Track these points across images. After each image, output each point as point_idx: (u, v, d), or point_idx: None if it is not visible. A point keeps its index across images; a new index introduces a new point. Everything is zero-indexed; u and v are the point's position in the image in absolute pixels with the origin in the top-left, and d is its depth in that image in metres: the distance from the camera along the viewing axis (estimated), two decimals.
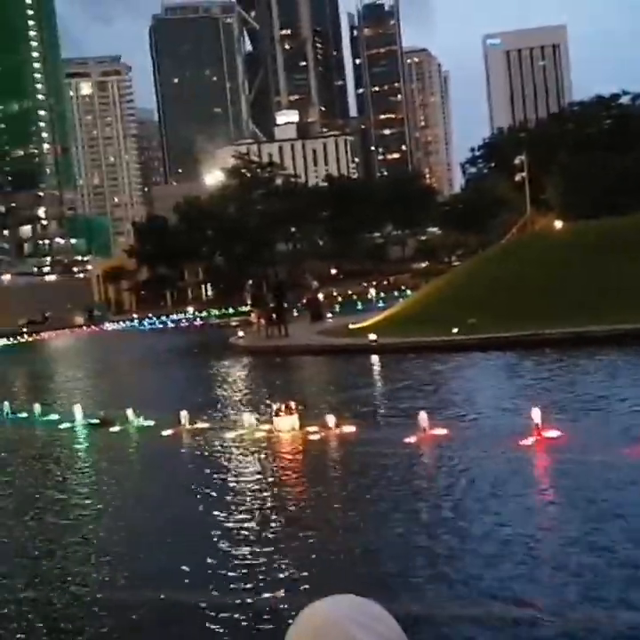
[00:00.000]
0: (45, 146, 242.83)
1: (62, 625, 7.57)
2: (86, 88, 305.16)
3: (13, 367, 45.78)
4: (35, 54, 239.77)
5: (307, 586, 7.73)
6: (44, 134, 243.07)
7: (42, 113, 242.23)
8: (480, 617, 6.93)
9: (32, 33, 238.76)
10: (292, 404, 15.76)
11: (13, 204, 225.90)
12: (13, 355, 59.92)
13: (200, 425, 16.88)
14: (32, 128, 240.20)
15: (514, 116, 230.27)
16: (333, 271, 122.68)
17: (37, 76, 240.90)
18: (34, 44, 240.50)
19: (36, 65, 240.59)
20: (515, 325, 26.46)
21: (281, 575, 8.14)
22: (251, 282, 60.69)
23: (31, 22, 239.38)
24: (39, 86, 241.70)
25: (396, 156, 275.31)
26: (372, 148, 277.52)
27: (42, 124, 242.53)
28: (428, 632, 6.74)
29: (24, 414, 20.99)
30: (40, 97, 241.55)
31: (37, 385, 33.06)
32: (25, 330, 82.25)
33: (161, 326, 75.26)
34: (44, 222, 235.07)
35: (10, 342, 71.31)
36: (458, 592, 7.44)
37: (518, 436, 12.66)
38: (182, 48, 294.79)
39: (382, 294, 76.53)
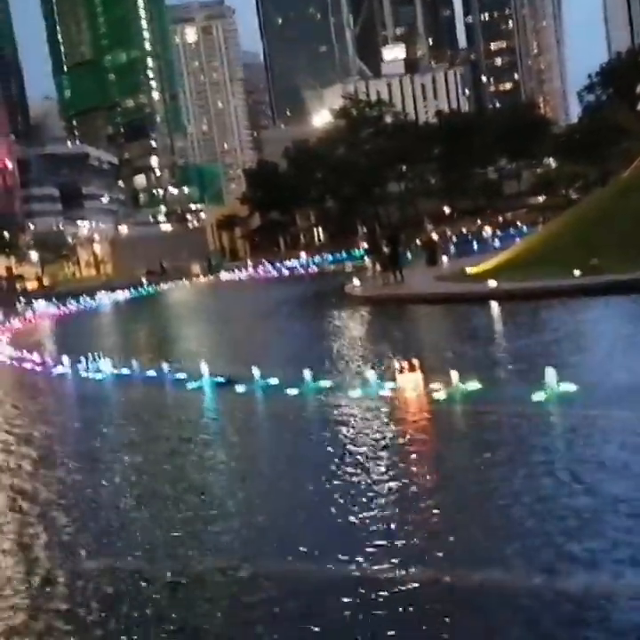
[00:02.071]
0: (154, 95, 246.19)
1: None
2: (191, 34, 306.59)
3: (136, 322, 47.01)
4: (140, 2, 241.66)
5: (439, 558, 7.61)
6: (153, 83, 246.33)
7: (149, 62, 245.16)
8: None
9: None
10: (415, 362, 15.57)
11: (126, 155, 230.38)
12: (135, 308, 61.52)
13: (323, 383, 16.88)
14: (140, 78, 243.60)
15: (633, 39, 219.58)
16: (446, 210, 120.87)
17: (143, 24, 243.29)
18: None
19: (142, 14, 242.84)
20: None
21: (410, 547, 8.04)
22: (364, 229, 60.32)
23: None
24: (146, 35, 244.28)
25: (508, 86, 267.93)
26: (483, 79, 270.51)
27: (150, 74, 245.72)
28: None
29: (153, 372, 21.48)
30: (147, 46, 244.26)
31: (160, 341, 33.83)
32: (144, 281, 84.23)
33: (276, 274, 75.84)
34: (157, 172, 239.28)
35: (131, 294, 73.24)
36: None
37: None
38: None
39: (498, 232, 75.03)
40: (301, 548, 8.51)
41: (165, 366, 21.23)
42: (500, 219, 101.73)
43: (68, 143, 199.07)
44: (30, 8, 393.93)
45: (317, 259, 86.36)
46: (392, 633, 6.49)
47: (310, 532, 9.09)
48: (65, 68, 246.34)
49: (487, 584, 7.20)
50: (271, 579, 7.90)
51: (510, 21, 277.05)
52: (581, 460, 10.25)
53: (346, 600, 7.11)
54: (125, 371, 22.73)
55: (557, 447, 11.11)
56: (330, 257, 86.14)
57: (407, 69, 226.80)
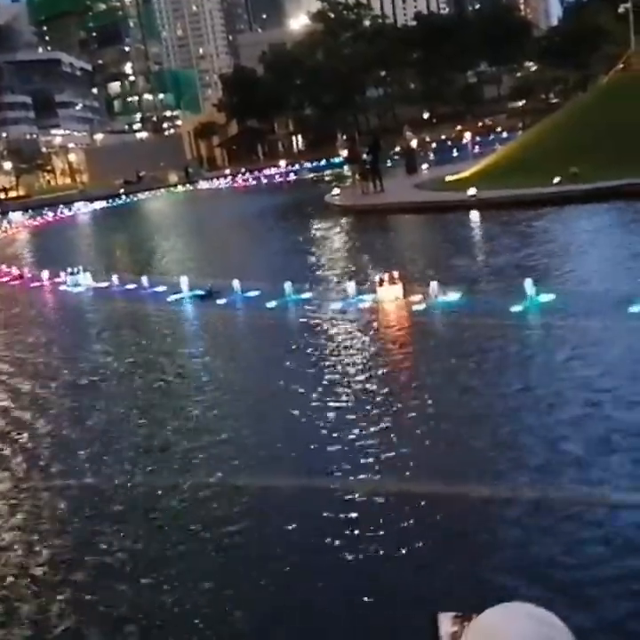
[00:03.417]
0: None
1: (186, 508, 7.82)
2: None
3: (114, 233, 46.63)
4: None
5: (413, 469, 7.79)
6: None
7: None
8: None
9: None
10: (395, 274, 15.62)
11: (100, 61, 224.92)
12: (112, 218, 60.94)
13: (303, 295, 16.93)
14: None
15: None
16: (425, 115, 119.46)
17: None
18: None
19: None
20: (622, 174, 25.34)
21: (386, 458, 8.20)
22: (344, 136, 59.61)
23: None
24: None
25: None
26: None
27: None
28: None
29: (133, 285, 21.43)
30: None
31: (139, 252, 33.64)
32: (121, 191, 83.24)
33: (254, 183, 75.11)
34: (132, 78, 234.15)
35: (108, 204, 72.49)
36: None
37: (631, 303, 12.23)
38: None
39: (478, 138, 74.24)
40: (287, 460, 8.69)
41: (145, 279, 21.17)
42: (480, 124, 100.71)
43: (40, 49, 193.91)
44: None
45: (296, 167, 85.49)
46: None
47: (290, 443, 9.24)
48: None
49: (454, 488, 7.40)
50: (249, 493, 8.06)
51: None
52: (547, 367, 10.47)
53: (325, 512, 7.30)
54: (104, 284, 22.66)
55: (531, 358, 11.29)
56: (309, 165, 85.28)
57: None
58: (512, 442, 8.35)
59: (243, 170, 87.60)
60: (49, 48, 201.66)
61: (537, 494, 7.05)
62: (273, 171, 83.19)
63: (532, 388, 9.86)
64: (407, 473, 7.84)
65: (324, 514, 7.25)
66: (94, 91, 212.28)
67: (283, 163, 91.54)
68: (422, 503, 7.22)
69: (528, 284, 13.71)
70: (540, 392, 9.67)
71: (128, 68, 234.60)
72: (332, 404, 10.12)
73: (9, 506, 8.57)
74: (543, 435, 8.32)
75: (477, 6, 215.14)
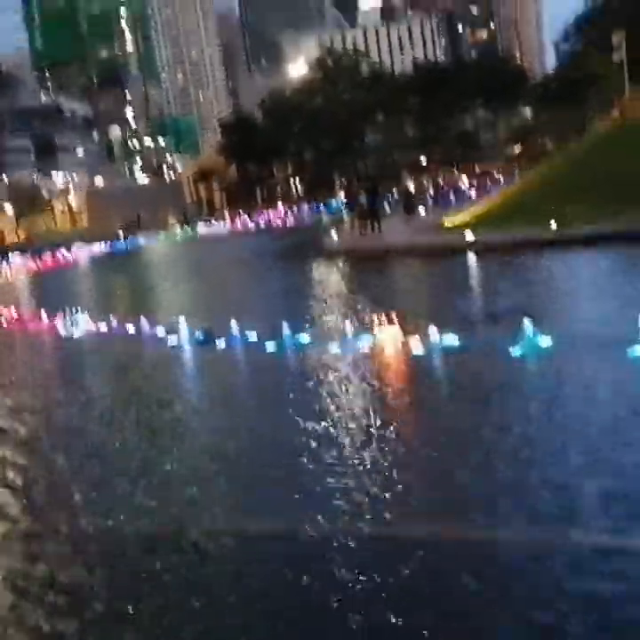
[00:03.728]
0: (128, 45, 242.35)
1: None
2: None
3: (114, 276, 46.70)
4: None
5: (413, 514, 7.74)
6: (126, 33, 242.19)
7: (122, 11, 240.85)
8: None
9: None
10: (394, 316, 15.65)
11: (101, 107, 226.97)
12: (112, 261, 61.10)
13: (302, 337, 16.93)
14: (114, 27, 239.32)
15: None
16: (423, 160, 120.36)
17: None
18: None
19: None
20: (619, 219, 25.55)
21: (384, 503, 8.14)
22: (342, 180, 60.12)
23: None
24: None
25: (484, 36, 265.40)
26: (460, 28, 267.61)
27: (123, 24, 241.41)
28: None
29: (131, 328, 21.39)
30: None
31: (138, 295, 33.69)
32: (121, 234, 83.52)
33: (253, 226, 75.51)
34: (132, 123, 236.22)
35: (108, 247, 72.68)
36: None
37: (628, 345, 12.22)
38: None
39: (475, 183, 74.87)
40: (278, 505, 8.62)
41: (143, 321, 21.16)
42: (477, 169, 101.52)
43: (42, 95, 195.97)
44: None
45: (295, 210, 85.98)
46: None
47: (288, 488, 9.17)
48: (37, 19, 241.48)
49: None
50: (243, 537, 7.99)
51: None
52: (549, 416, 10.41)
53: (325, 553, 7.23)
54: (103, 327, 22.63)
55: (531, 401, 11.24)
56: (307, 209, 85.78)
57: (383, 18, 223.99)
58: (517, 488, 8.28)
59: (242, 213, 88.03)
60: (51, 94, 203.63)
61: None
62: (271, 214, 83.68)
63: (532, 434, 9.79)
64: (407, 519, 7.79)
65: (314, 563, 7.17)
66: (95, 135, 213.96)
67: (281, 206, 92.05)
68: (418, 551, 7.18)
69: (526, 326, 13.75)
70: (540, 436, 9.65)
71: (129, 112, 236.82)
72: (328, 451, 10.03)
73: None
74: (549, 481, 8.26)
75: (474, 54, 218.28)
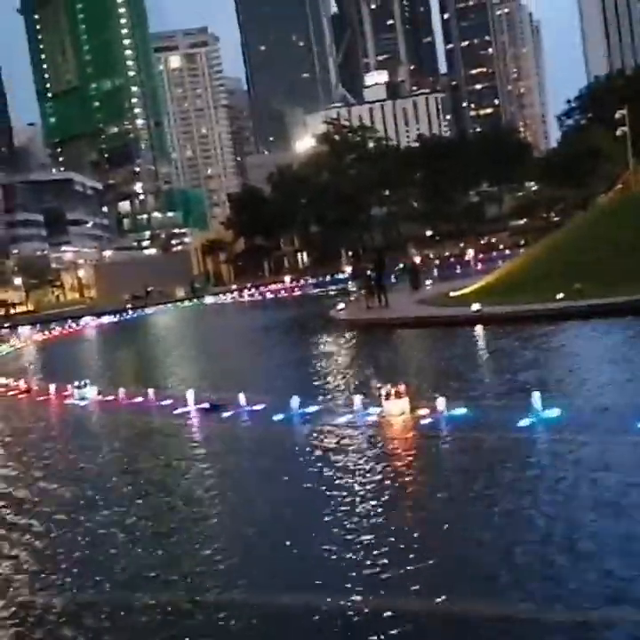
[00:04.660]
0: (139, 121, 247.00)
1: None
2: (175, 61, 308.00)
3: (121, 347, 46.87)
4: (124, 31, 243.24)
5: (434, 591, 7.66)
6: (137, 110, 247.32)
7: (134, 89, 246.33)
8: None
9: (120, 10, 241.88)
10: (402, 388, 15.63)
11: (111, 181, 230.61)
12: (120, 332, 61.35)
13: (309, 409, 16.90)
14: (125, 105, 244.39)
15: (611, 63, 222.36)
16: (429, 233, 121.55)
17: (128, 52, 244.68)
18: (122, 20, 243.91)
19: (126, 42, 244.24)
20: (624, 291, 25.64)
21: (390, 578, 8.06)
22: (349, 253, 60.77)
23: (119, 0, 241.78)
24: (130, 63, 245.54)
25: (488, 110, 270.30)
26: (464, 104, 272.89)
27: (134, 100, 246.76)
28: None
29: (139, 399, 21.42)
30: (131, 73, 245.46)
31: (145, 366, 33.76)
32: (129, 306, 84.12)
33: (260, 298, 75.90)
34: (142, 197, 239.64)
35: (116, 318, 73.13)
36: None
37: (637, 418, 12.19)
38: (267, 14, 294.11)
39: (480, 255, 75.46)
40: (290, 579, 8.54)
41: (151, 392, 21.19)
42: (483, 242, 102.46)
43: (53, 169, 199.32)
44: (15, 34, 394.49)
45: (302, 282, 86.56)
46: None
47: (297, 562, 9.09)
48: (49, 95, 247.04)
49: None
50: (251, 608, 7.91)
51: (490, 48, 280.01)
52: (557, 491, 10.32)
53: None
54: (111, 397, 22.65)
55: (539, 474, 11.15)
56: (314, 281, 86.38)
57: (389, 95, 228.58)
58: (525, 567, 8.18)
59: (249, 285, 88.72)
60: (62, 168, 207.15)
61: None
62: (278, 286, 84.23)
63: (539, 510, 9.69)
64: (413, 594, 7.71)
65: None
66: (105, 209, 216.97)
67: (288, 278, 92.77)
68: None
69: (535, 398, 13.72)
70: (547, 512, 9.56)
71: (138, 187, 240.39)
72: (337, 523, 9.97)
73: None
74: (556, 561, 8.17)
75: (478, 129, 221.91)
